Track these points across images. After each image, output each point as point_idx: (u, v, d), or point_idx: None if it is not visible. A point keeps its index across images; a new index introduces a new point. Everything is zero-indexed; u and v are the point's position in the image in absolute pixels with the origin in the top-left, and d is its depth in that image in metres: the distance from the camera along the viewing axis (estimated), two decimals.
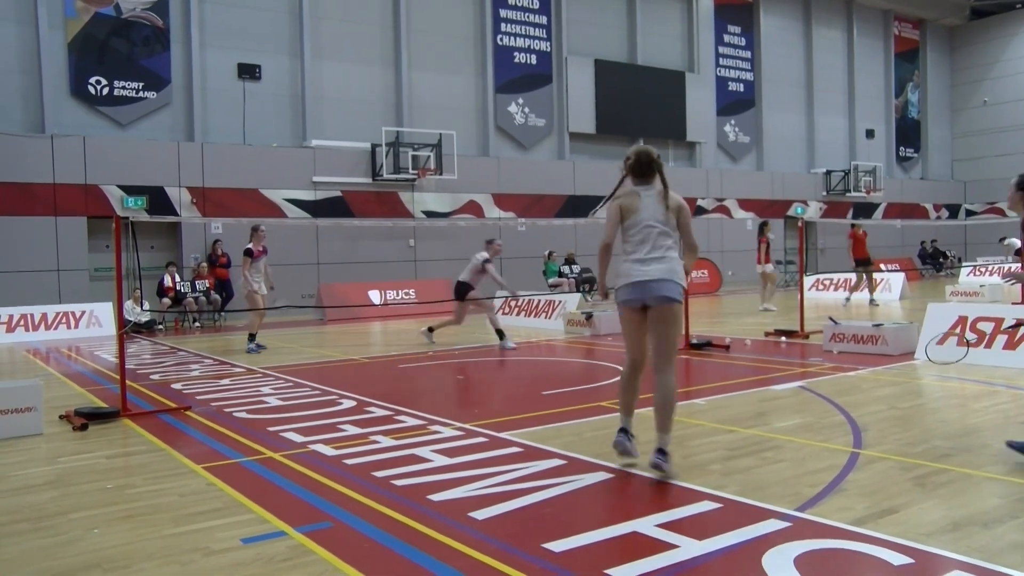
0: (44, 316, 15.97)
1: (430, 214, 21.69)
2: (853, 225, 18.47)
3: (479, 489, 4.74)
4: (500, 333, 12.04)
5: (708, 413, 6.86)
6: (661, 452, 4.85)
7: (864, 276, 18.24)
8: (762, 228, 17.77)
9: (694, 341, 11.07)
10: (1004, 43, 34.39)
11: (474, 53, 23.15)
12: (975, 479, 4.76)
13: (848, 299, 18.26)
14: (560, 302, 15.27)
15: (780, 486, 4.68)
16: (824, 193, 30.31)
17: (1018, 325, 8.61)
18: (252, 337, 12.59)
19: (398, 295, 19.82)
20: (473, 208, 22.41)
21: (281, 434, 6.40)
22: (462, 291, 12.25)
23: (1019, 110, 33.49)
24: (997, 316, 9.12)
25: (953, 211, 35.21)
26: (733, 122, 28.66)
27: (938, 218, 34.35)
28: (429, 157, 20.84)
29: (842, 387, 7.95)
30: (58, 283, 17.19)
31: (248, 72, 19.63)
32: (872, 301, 17.94)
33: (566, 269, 21.56)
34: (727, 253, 26.80)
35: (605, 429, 6.32)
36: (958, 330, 9.36)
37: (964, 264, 28.24)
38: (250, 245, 12.42)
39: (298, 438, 6.23)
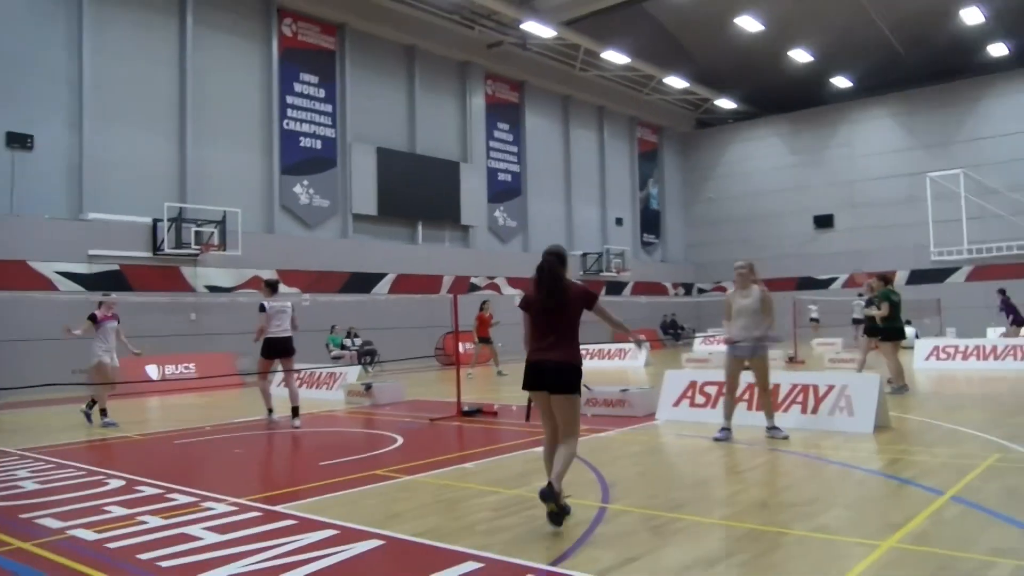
0: None
1: (214, 288, 20.59)
2: (482, 306, 19.19)
3: (249, 565, 4.44)
4: (271, 410, 11.30)
5: (477, 476, 6.91)
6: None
7: (488, 350, 19.25)
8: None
9: (465, 408, 11.18)
10: (722, 150, 38.63)
11: (260, 134, 22.55)
12: (704, 525, 5.10)
13: (470, 374, 18.31)
14: (341, 373, 14.92)
15: (539, 542, 4.77)
16: (581, 272, 32.06)
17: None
18: (104, 412, 11.47)
19: (177, 369, 18.50)
20: (258, 283, 21.49)
21: (35, 521, 5.69)
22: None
23: (736, 205, 37.51)
24: (722, 380, 9.93)
25: (688, 289, 38.46)
26: (502, 208, 29.80)
27: (675, 295, 37.34)
28: (213, 233, 19.84)
29: (595, 447, 8.30)
30: None
31: (18, 141, 17.89)
32: (499, 372, 18.58)
33: (348, 342, 21.17)
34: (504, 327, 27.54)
35: (381, 496, 6.20)
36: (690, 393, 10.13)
37: (697, 335, 30.74)
38: (96, 311, 11.53)
39: (55, 524, 5.56)
